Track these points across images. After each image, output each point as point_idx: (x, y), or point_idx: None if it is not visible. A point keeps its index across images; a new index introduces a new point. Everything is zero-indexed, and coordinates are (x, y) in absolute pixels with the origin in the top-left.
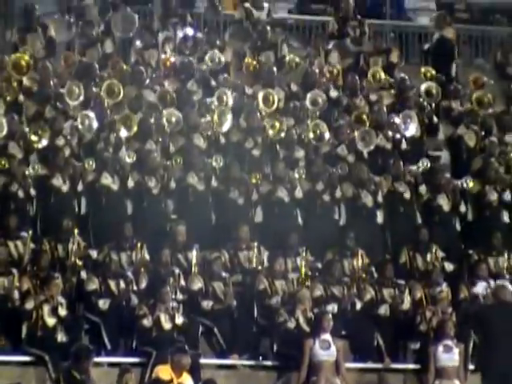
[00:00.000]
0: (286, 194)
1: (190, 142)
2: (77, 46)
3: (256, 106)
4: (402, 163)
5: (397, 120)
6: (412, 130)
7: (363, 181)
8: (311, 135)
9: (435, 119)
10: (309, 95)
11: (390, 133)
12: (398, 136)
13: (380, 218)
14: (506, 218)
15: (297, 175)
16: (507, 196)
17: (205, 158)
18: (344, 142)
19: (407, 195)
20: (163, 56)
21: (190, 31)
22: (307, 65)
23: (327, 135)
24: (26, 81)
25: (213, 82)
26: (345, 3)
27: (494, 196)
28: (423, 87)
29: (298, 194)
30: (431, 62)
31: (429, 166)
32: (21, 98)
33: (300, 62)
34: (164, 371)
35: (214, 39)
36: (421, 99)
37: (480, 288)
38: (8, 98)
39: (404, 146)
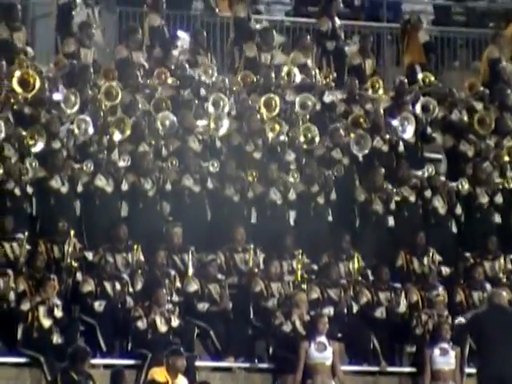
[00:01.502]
0: (279, 197)
1: (184, 145)
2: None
3: (256, 110)
4: (408, 167)
5: (394, 122)
6: (410, 132)
7: (377, 187)
8: (302, 139)
9: (429, 130)
10: (297, 99)
11: (387, 135)
12: (395, 138)
13: (391, 222)
14: (497, 219)
15: (291, 179)
16: (498, 199)
17: (200, 161)
18: (339, 146)
19: (412, 199)
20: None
21: (182, 34)
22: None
23: (318, 139)
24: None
25: (207, 91)
26: (335, 5)
27: (484, 198)
28: (420, 103)
29: (292, 196)
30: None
31: (434, 172)
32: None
33: (294, 72)
34: (159, 373)
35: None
36: (417, 113)
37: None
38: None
39: (401, 148)
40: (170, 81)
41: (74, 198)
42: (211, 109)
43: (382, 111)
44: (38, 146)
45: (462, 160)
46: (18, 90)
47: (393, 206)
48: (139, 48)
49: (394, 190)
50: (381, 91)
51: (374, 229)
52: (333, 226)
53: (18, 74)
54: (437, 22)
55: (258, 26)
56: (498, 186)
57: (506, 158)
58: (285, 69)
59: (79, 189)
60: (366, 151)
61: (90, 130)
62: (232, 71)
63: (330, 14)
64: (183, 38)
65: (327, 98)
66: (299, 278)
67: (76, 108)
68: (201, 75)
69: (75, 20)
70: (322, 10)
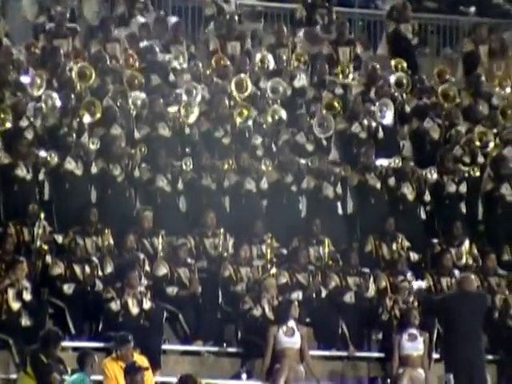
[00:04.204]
0: (253, 186)
1: (155, 131)
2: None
3: (227, 95)
4: (373, 154)
5: (373, 108)
6: (389, 117)
7: (324, 172)
8: (269, 119)
9: (407, 108)
10: (269, 83)
11: (366, 121)
12: (374, 124)
13: (340, 209)
14: (463, 208)
15: (263, 167)
16: (463, 187)
17: (173, 160)
18: (303, 130)
19: (378, 186)
20: (128, 52)
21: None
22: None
23: (285, 119)
24: None
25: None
26: None
27: (452, 187)
28: (393, 78)
29: (264, 185)
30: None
31: (400, 163)
32: None
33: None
34: (111, 364)
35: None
36: (391, 90)
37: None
38: None
39: (381, 134)
40: (137, 64)
41: (38, 183)
42: (184, 97)
43: (360, 98)
44: (6, 126)
45: (429, 144)
46: None
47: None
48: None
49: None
50: (351, 76)
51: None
52: (305, 213)
53: None
54: None
55: (226, 8)
56: (464, 174)
57: (477, 143)
58: (258, 55)
59: (41, 176)
60: (330, 133)
61: (58, 104)
62: (206, 56)
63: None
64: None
65: (298, 83)
66: (269, 263)
67: (42, 91)
68: (171, 61)
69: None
70: None
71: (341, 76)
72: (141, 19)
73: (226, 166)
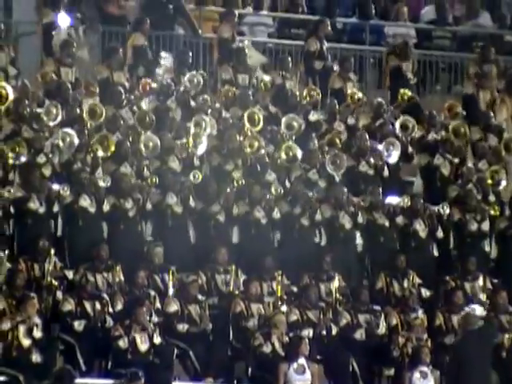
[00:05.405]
0: (263, 215)
1: (165, 165)
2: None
3: (238, 128)
4: (380, 191)
5: (379, 147)
6: (395, 157)
7: (341, 202)
8: (283, 156)
9: (410, 149)
10: (284, 119)
11: (373, 160)
12: (380, 163)
13: (359, 240)
14: (486, 246)
15: (274, 197)
16: (485, 226)
17: (181, 177)
18: (315, 167)
19: (386, 224)
20: (143, 80)
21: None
22: (284, 86)
23: (299, 156)
24: None
25: (192, 103)
26: (323, 27)
27: (474, 226)
28: (399, 122)
29: (276, 215)
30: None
31: (409, 203)
32: None
33: (270, 81)
34: None
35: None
36: (396, 131)
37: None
38: None
39: (386, 173)
40: (154, 85)
41: (52, 217)
42: (193, 130)
43: (366, 136)
44: (20, 160)
45: (440, 180)
46: None
47: (360, 219)
48: (120, 68)
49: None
50: (361, 96)
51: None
52: (318, 248)
53: None
54: (419, 46)
55: (233, 46)
56: (485, 213)
57: (489, 182)
58: (260, 78)
59: (55, 209)
60: (342, 171)
61: (75, 142)
62: (215, 91)
63: (318, 35)
64: (166, 57)
65: (313, 117)
66: (279, 300)
67: (58, 120)
68: (186, 85)
69: (55, 39)
70: (311, 31)
71: (351, 104)
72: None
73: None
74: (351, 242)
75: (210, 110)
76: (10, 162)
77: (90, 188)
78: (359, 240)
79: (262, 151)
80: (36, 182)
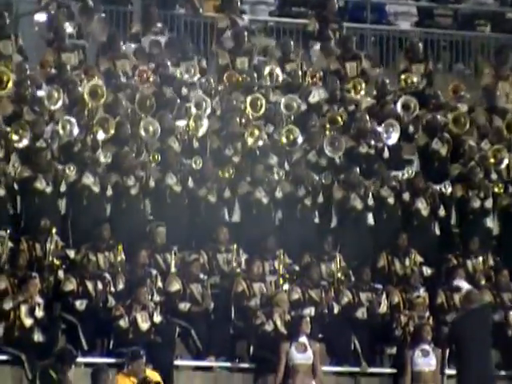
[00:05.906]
0: (264, 195)
1: (164, 145)
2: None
3: (238, 112)
4: (386, 168)
5: (379, 129)
6: (394, 138)
7: (354, 184)
8: (284, 140)
9: (411, 129)
10: (283, 100)
11: (373, 141)
12: (380, 145)
13: (371, 220)
14: (489, 223)
15: (276, 177)
16: (489, 203)
17: (182, 159)
18: (315, 148)
19: (391, 200)
20: (141, 67)
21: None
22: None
23: (300, 140)
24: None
25: (190, 90)
26: (330, 5)
27: (477, 203)
28: (400, 101)
29: (278, 194)
30: None
31: (414, 173)
32: None
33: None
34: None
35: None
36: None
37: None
38: None
39: (386, 154)
40: (151, 79)
41: (59, 197)
42: (193, 110)
43: (367, 116)
44: (23, 143)
45: (437, 160)
46: None
47: (370, 202)
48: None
49: (372, 186)
50: (362, 93)
51: (354, 229)
52: (318, 228)
53: None
54: (420, 24)
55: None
56: (489, 190)
57: (492, 160)
58: (267, 69)
59: (62, 188)
60: (341, 153)
61: (75, 131)
62: (217, 71)
63: (321, 14)
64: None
65: (313, 99)
66: (281, 280)
67: (59, 104)
68: (183, 74)
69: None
70: (314, 10)
71: (353, 92)
72: (152, 37)
73: (227, 173)
74: (363, 224)
75: (213, 92)
76: (14, 144)
77: (93, 166)
78: (371, 221)
79: (261, 142)
80: (43, 162)
